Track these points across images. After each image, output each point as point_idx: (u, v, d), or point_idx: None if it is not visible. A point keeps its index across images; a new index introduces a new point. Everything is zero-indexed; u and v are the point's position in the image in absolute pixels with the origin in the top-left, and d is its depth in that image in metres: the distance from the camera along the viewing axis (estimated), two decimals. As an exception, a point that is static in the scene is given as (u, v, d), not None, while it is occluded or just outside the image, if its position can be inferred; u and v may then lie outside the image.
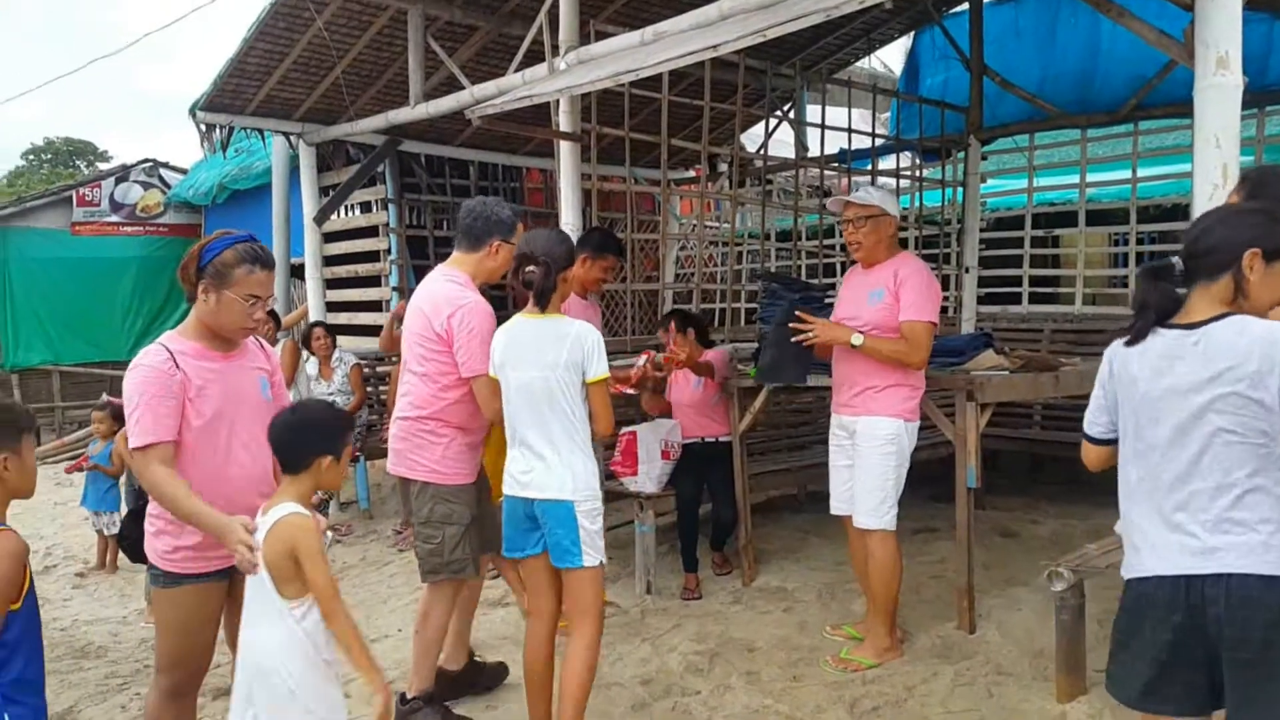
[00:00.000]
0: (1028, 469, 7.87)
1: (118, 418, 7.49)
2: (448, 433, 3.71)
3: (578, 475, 3.31)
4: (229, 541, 2.60)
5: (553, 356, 3.30)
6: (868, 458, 4.21)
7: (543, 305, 3.39)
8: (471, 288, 3.76)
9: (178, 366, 2.84)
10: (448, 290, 3.72)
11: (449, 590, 3.78)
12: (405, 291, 9.02)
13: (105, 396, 7.89)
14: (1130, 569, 2.35)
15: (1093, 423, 2.50)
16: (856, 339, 4.11)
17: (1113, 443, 2.44)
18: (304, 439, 2.68)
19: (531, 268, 3.37)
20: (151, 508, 2.95)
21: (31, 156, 33.56)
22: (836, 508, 4.47)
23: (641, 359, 4.97)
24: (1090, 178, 7.95)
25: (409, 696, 3.75)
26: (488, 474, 3.89)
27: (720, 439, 5.46)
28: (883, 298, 4.18)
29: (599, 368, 3.34)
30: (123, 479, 6.78)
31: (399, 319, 6.98)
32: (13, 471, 2.29)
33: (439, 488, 3.70)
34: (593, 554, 3.32)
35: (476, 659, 4.22)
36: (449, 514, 3.69)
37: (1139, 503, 2.33)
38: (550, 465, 3.31)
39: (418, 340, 3.74)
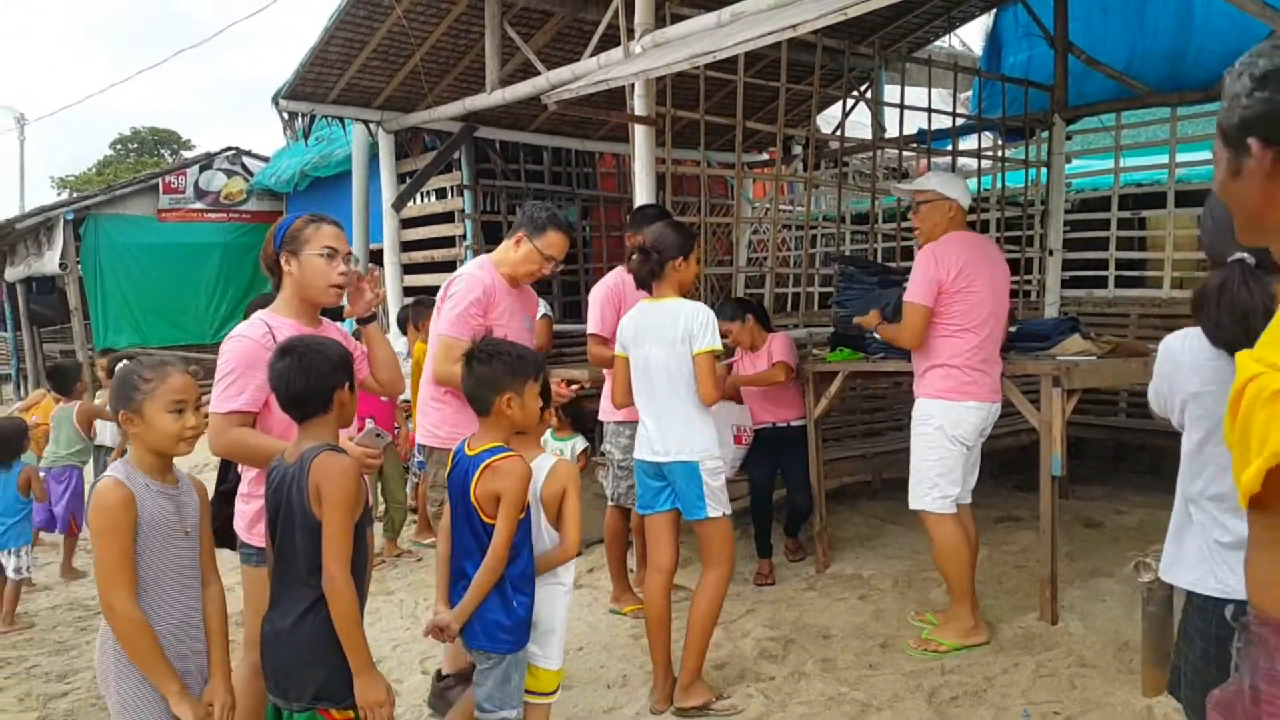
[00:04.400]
0: (1112, 457, 7.68)
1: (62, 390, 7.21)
2: (445, 398, 3.82)
3: (700, 439, 3.70)
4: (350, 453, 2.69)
5: (670, 334, 3.67)
6: (911, 438, 4.38)
7: (645, 288, 3.80)
8: (486, 267, 3.91)
9: (275, 341, 2.88)
10: (462, 267, 3.99)
11: None
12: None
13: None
14: None
15: None
16: (872, 325, 4.49)
17: None
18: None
19: (635, 255, 3.77)
20: (249, 487, 2.98)
21: (119, 146, 34.60)
22: None
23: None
24: (1180, 158, 7.70)
25: (444, 674, 3.79)
26: None
27: (792, 423, 5.41)
28: None
29: (703, 340, 3.64)
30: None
31: None
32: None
33: (441, 452, 3.70)
34: (716, 506, 3.71)
35: None
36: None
37: None
38: (675, 431, 3.69)
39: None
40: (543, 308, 6.10)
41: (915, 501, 4.32)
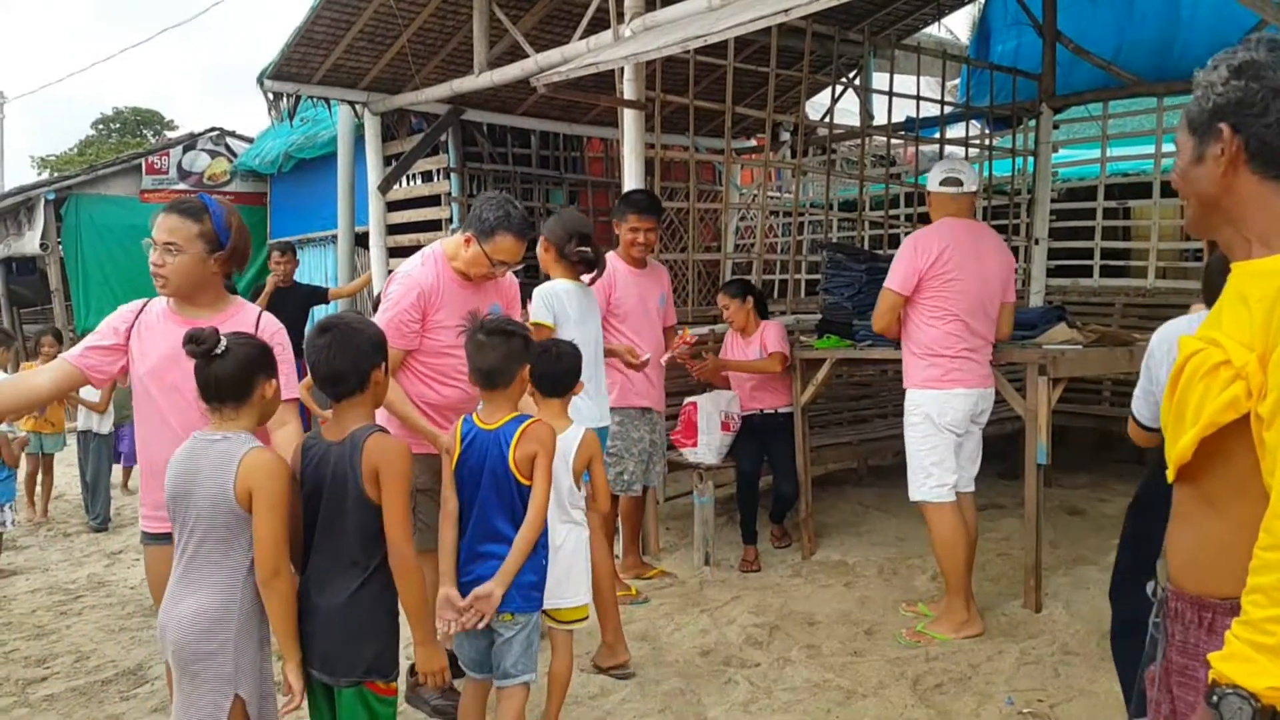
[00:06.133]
0: (1095, 445, 7.72)
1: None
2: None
3: None
4: None
5: (597, 316, 4.17)
6: (905, 430, 4.39)
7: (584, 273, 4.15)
8: (433, 261, 3.60)
9: (140, 316, 2.96)
10: (406, 262, 3.72)
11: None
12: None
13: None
14: None
15: None
16: None
17: None
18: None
19: (592, 248, 4.10)
20: None
21: (100, 126, 34.21)
22: None
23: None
24: (1166, 147, 7.70)
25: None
26: None
27: (779, 410, 5.42)
28: None
29: None
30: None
31: None
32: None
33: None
34: None
35: None
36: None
37: None
38: (601, 400, 4.17)
39: None
40: None
41: (914, 493, 4.33)
